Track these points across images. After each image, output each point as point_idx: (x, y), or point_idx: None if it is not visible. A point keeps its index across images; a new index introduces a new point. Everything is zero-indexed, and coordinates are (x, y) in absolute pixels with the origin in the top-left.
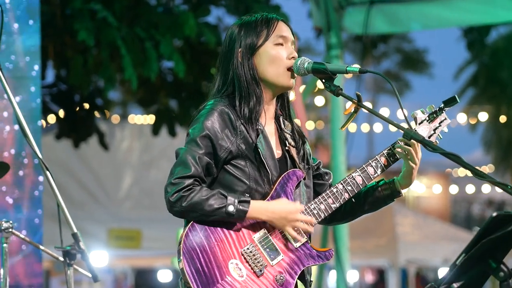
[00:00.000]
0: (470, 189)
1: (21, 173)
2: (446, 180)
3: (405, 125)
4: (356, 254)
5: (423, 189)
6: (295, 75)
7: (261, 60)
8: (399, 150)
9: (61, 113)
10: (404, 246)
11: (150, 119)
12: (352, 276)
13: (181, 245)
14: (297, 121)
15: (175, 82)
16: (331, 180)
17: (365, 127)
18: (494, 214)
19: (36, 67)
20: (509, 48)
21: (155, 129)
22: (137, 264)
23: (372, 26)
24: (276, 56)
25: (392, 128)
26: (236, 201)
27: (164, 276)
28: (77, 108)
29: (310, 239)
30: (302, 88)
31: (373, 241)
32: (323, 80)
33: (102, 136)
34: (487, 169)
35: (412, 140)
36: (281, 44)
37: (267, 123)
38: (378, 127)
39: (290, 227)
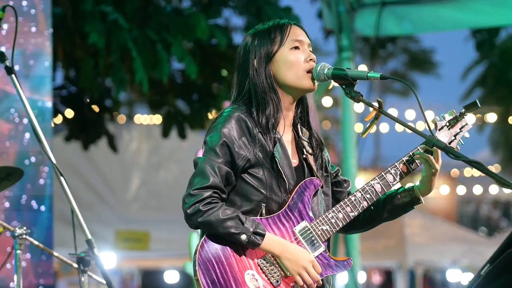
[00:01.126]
0: (477, 189)
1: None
2: (453, 181)
3: (425, 131)
4: (365, 255)
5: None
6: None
7: (279, 66)
8: (419, 157)
9: (70, 114)
10: (412, 247)
11: (157, 119)
12: (360, 277)
13: (197, 256)
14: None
15: (185, 84)
16: (349, 188)
17: (373, 127)
18: None
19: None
20: None
21: (165, 131)
22: (144, 265)
23: (384, 28)
24: (294, 60)
25: (399, 128)
26: (251, 230)
27: (171, 277)
28: (86, 110)
29: (329, 248)
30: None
31: (382, 242)
32: (343, 86)
33: (112, 138)
34: (494, 169)
35: (433, 147)
36: (297, 48)
37: (285, 131)
38: (384, 127)
39: (297, 272)
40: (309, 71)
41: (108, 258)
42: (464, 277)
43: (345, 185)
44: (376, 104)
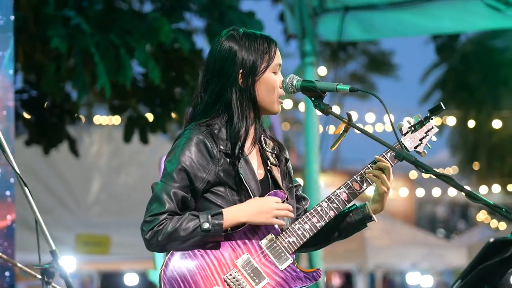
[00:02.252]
0: (436, 191)
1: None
2: (411, 183)
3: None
4: (325, 258)
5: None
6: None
7: (261, 87)
8: (370, 175)
9: (26, 116)
10: (373, 250)
11: (116, 120)
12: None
13: (161, 275)
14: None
15: (147, 88)
16: (307, 206)
17: (332, 129)
18: (491, 240)
19: (11, 72)
20: (479, 52)
21: (127, 135)
22: (103, 268)
23: (347, 33)
24: (274, 86)
25: (358, 131)
26: (208, 216)
27: (131, 279)
28: (47, 114)
29: (298, 260)
30: None
31: (342, 245)
32: (312, 98)
33: (73, 143)
34: (451, 170)
35: (384, 164)
36: (276, 73)
37: (249, 145)
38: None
39: (272, 216)
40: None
41: (68, 262)
42: (423, 279)
43: (303, 203)
44: (345, 117)
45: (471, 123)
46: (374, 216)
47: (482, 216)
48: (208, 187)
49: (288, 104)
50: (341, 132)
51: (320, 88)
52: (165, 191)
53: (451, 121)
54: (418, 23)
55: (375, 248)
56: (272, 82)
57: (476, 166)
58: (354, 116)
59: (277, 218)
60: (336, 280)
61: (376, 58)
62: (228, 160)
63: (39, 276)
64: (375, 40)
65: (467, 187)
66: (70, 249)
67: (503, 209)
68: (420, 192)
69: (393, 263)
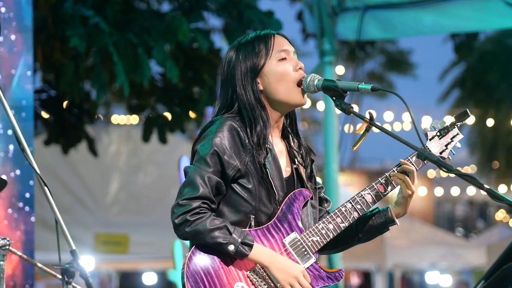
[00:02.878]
0: (454, 190)
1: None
2: (430, 182)
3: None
4: (344, 257)
5: None
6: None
7: (268, 80)
8: (395, 178)
9: (45, 116)
10: (391, 250)
11: (134, 119)
12: None
13: (185, 269)
14: None
15: (166, 87)
16: (329, 208)
17: (347, 128)
18: None
19: (29, 73)
20: (497, 51)
21: (145, 135)
22: (122, 267)
23: (366, 32)
24: (283, 72)
25: (377, 129)
26: (239, 241)
27: (149, 278)
28: (66, 114)
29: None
30: None
31: (361, 245)
32: (334, 98)
33: (92, 142)
34: (470, 169)
35: (409, 167)
36: (285, 59)
37: (276, 142)
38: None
39: (288, 282)
40: (299, 83)
41: (87, 262)
42: (442, 279)
43: (326, 205)
44: (367, 116)
45: (490, 122)
46: (396, 220)
47: (501, 215)
48: (237, 175)
49: (307, 104)
50: (362, 132)
51: (342, 88)
52: (199, 175)
53: (470, 119)
54: (437, 22)
55: (394, 247)
56: (278, 68)
57: (495, 165)
58: (372, 114)
59: (290, 286)
60: (355, 280)
61: (394, 57)
62: (256, 154)
63: (59, 276)
64: (393, 39)
65: (487, 187)
66: (89, 248)
67: None
68: (439, 191)
69: (412, 262)
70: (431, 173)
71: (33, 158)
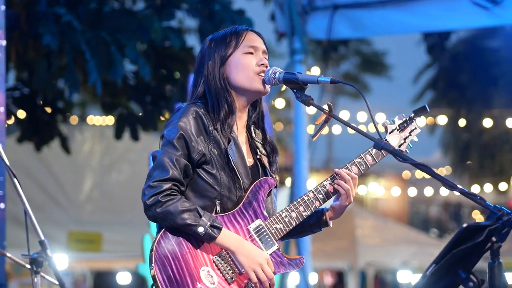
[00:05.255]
0: (428, 191)
1: None
2: (404, 183)
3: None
4: (316, 256)
5: (381, 191)
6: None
7: (231, 68)
8: (335, 186)
9: (22, 115)
10: (364, 248)
11: (109, 120)
12: (312, 279)
13: (153, 252)
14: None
15: (138, 85)
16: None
17: (324, 130)
18: (465, 225)
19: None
20: (469, 52)
21: (118, 133)
22: (96, 266)
23: (336, 31)
24: (245, 63)
25: (351, 130)
26: (208, 223)
27: (123, 278)
28: (39, 111)
29: (281, 247)
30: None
31: (333, 243)
32: (294, 90)
33: (64, 140)
34: (444, 171)
35: (348, 176)
36: (251, 53)
37: (239, 132)
38: (337, 129)
39: (252, 269)
40: (260, 75)
41: (60, 260)
42: (415, 278)
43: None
44: (326, 108)
45: (462, 122)
46: (330, 223)
47: (474, 216)
48: (202, 160)
49: (280, 103)
50: (321, 122)
51: (302, 80)
52: (168, 157)
53: (443, 120)
54: (406, 21)
55: (366, 246)
56: (242, 60)
57: (471, 162)
58: (346, 114)
59: (254, 272)
60: (328, 279)
61: (369, 58)
62: (220, 140)
63: (28, 266)
64: (367, 40)
65: (442, 175)
66: (62, 246)
67: (478, 197)
68: (413, 192)
69: (384, 261)
70: (407, 174)
71: (4, 153)
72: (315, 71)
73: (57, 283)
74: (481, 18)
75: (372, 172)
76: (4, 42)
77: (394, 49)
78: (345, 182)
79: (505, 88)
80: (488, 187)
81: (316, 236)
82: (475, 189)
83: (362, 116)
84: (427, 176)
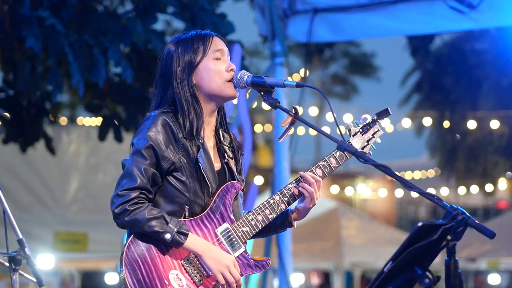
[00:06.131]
0: (415, 193)
1: None
2: (391, 184)
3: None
4: (302, 257)
5: (369, 192)
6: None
7: (202, 76)
8: (300, 189)
9: (7, 116)
10: (349, 249)
11: (99, 121)
12: (298, 279)
13: (123, 256)
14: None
15: (121, 87)
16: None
17: (312, 131)
18: (420, 224)
19: None
20: (453, 55)
21: (101, 134)
22: (83, 266)
23: (316, 34)
24: (216, 70)
25: (339, 132)
26: (175, 230)
27: (111, 278)
28: (24, 113)
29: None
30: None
31: (318, 244)
32: (262, 93)
33: (49, 141)
34: (434, 172)
35: (312, 179)
36: (219, 59)
37: (208, 137)
38: (325, 130)
39: (219, 271)
40: (230, 80)
41: (47, 260)
42: None
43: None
44: (292, 111)
45: (447, 124)
46: (294, 223)
47: None
48: (172, 168)
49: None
50: (288, 125)
51: (269, 84)
52: (136, 167)
53: (427, 121)
54: (385, 25)
55: (351, 247)
56: (211, 68)
57: (459, 163)
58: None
59: (221, 274)
60: (315, 279)
61: (357, 60)
62: (189, 148)
63: (7, 264)
64: (355, 42)
65: (400, 175)
66: (49, 246)
67: (435, 197)
68: (399, 193)
69: (370, 261)
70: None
71: None
72: (302, 73)
73: (35, 280)
74: (458, 22)
75: (360, 174)
76: None
77: (382, 51)
78: (309, 185)
79: (489, 90)
80: (475, 189)
81: (302, 237)
82: (461, 190)
83: (348, 117)
84: (417, 177)
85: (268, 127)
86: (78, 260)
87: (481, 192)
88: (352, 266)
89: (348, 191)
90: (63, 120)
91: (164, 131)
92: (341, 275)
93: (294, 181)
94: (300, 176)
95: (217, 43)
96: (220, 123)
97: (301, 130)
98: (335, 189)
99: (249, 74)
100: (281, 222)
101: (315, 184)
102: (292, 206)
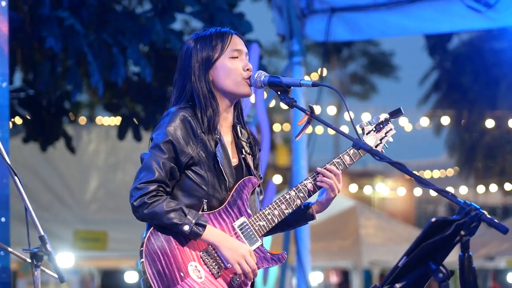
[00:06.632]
0: (433, 191)
1: None
2: (410, 183)
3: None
4: (320, 255)
5: (387, 191)
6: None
7: (218, 73)
8: (319, 183)
9: (28, 116)
10: (367, 248)
11: (117, 121)
12: (317, 278)
13: (144, 248)
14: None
15: (140, 86)
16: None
17: (331, 130)
18: (433, 219)
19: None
20: (471, 54)
21: (121, 133)
22: (103, 265)
23: (334, 34)
24: (233, 69)
25: (359, 130)
26: (193, 222)
27: (131, 277)
28: (44, 112)
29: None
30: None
31: (337, 243)
32: (279, 93)
33: (69, 140)
34: (453, 171)
35: (333, 171)
36: (236, 57)
37: (225, 132)
38: (344, 129)
39: (236, 261)
40: (245, 79)
41: (67, 258)
42: None
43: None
44: (308, 109)
45: (466, 124)
46: (316, 216)
47: None
48: (191, 163)
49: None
50: (304, 123)
51: (286, 83)
52: (154, 160)
53: (445, 120)
54: (402, 24)
55: (370, 245)
56: (228, 66)
57: (477, 162)
58: (352, 115)
59: (238, 264)
60: (334, 278)
61: (376, 59)
62: (208, 142)
63: (29, 260)
64: (374, 41)
65: (414, 172)
66: (69, 245)
67: (449, 194)
68: (418, 192)
69: (388, 260)
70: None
71: (5, 151)
72: (320, 72)
73: (56, 276)
74: (475, 21)
75: (379, 173)
76: (6, 36)
77: (401, 50)
78: (328, 178)
79: (507, 89)
80: (494, 187)
81: (321, 235)
82: (480, 189)
83: (366, 116)
84: (435, 176)
85: (287, 127)
86: (98, 258)
87: (500, 190)
88: (370, 264)
89: (367, 190)
90: (82, 120)
91: (183, 126)
92: (359, 273)
93: (309, 178)
94: (317, 171)
95: (236, 42)
96: (237, 119)
97: (319, 129)
98: (353, 188)
99: (266, 74)
100: (305, 216)
101: (333, 177)
102: (313, 199)
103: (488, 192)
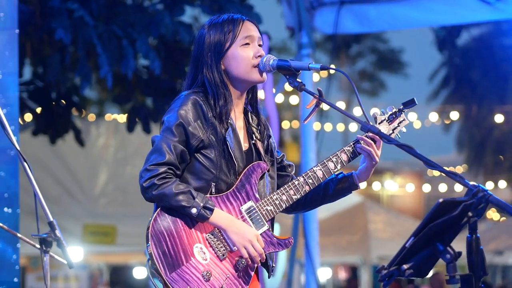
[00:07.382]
0: (442, 188)
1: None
2: (419, 179)
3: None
4: (329, 251)
5: (396, 188)
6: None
7: (230, 62)
8: (359, 150)
9: (38, 109)
10: (376, 243)
11: (126, 118)
12: (325, 273)
13: (150, 229)
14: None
15: (150, 79)
16: (293, 172)
17: (340, 127)
18: (441, 200)
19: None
20: (480, 50)
21: (130, 126)
22: (112, 260)
23: (343, 26)
24: (244, 57)
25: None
26: (201, 205)
27: (140, 273)
28: (54, 105)
29: (273, 228)
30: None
31: (345, 238)
32: (287, 77)
33: (79, 133)
34: (462, 169)
35: (369, 140)
36: (248, 44)
37: (237, 117)
38: (353, 126)
39: (242, 245)
40: (256, 66)
41: (75, 252)
42: (430, 272)
43: (289, 170)
44: (316, 93)
45: (474, 119)
46: (359, 185)
47: (491, 213)
48: (201, 146)
49: (295, 100)
50: (312, 107)
51: (294, 67)
52: (165, 143)
53: (454, 115)
54: (411, 16)
55: (379, 240)
56: (239, 54)
57: (486, 158)
58: (360, 112)
59: (245, 248)
60: (342, 274)
61: (385, 56)
62: (218, 127)
63: (38, 246)
64: (383, 37)
65: (424, 156)
66: (78, 239)
67: (457, 176)
68: (427, 188)
69: None
70: (422, 171)
71: (16, 140)
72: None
73: (65, 262)
74: (485, 13)
75: (388, 170)
76: (17, 31)
77: (410, 47)
78: (367, 146)
79: None
80: (503, 184)
81: (329, 231)
82: (489, 185)
83: (374, 112)
84: (437, 174)
85: (295, 124)
86: (107, 253)
87: (509, 186)
88: (379, 260)
89: (376, 186)
90: (91, 117)
91: (194, 109)
92: (368, 269)
93: (319, 164)
94: (357, 138)
95: (248, 28)
96: (251, 105)
97: (328, 126)
98: (362, 184)
99: (275, 58)
100: (348, 186)
101: (373, 144)
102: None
103: (497, 188)
